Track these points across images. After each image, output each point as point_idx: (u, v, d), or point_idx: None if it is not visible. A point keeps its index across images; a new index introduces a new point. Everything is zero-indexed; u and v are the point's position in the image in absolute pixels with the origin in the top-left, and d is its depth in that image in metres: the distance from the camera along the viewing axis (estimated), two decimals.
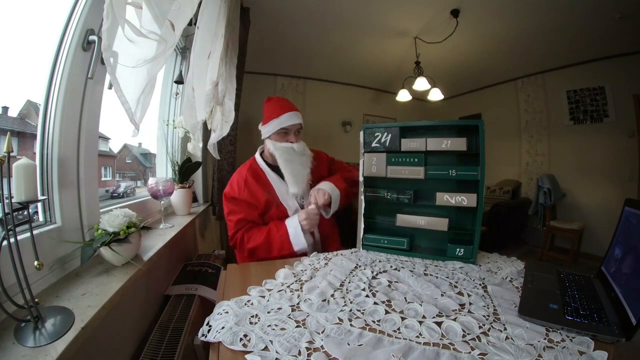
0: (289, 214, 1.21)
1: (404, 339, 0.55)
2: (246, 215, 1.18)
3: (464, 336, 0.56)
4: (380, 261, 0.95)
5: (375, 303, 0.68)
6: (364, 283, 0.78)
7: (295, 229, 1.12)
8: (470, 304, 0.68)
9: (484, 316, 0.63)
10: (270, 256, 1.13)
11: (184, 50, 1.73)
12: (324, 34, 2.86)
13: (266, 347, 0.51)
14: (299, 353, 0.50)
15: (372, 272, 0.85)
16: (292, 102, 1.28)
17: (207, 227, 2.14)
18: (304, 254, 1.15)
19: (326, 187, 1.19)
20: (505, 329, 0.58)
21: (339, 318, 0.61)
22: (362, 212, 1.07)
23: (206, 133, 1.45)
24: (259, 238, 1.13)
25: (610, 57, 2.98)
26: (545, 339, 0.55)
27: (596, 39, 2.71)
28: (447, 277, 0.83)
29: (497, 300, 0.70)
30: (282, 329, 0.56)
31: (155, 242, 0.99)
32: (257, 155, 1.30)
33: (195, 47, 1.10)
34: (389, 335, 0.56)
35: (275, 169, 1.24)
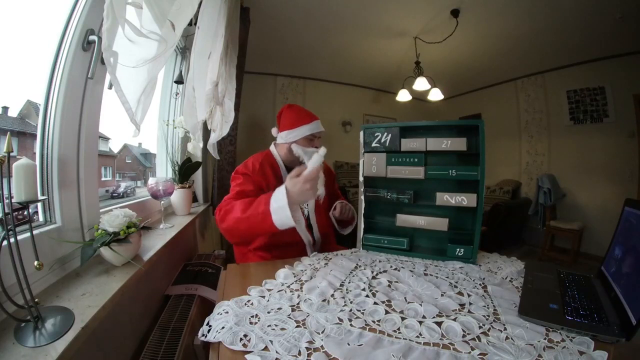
0: None
1: (404, 339, 0.55)
2: (254, 189, 1.09)
3: (464, 336, 0.56)
4: (380, 261, 0.95)
5: (375, 303, 0.67)
6: (364, 283, 0.78)
7: (281, 193, 0.87)
8: (470, 304, 0.68)
9: (484, 316, 0.63)
10: (242, 225, 0.93)
11: (184, 50, 1.73)
12: (324, 34, 2.86)
13: (266, 347, 0.51)
14: (299, 353, 0.50)
15: (372, 272, 0.85)
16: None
17: (207, 227, 2.14)
18: (297, 251, 1.14)
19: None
20: (505, 329, 0.58)
21: (339, 318, 0.61)
22: (362, 212, 1.07)
23: (206, 133, 1.45)
24: (241, 203, 0.95)
25: (610, 57, 2.98)
26: (545, 339, 0.55)
27: (596, 39, 2.71)
28: (447, 277, 0.83)
29: (497, 300, 0.70)
30: (282, 329, 0.56)
31: (155, 242, 1.00)
32: (272, 148, 1.30)
33: (196, 47, 1.10)
34: (389, 335, 0.56)
35: (287, 168, 1.26)
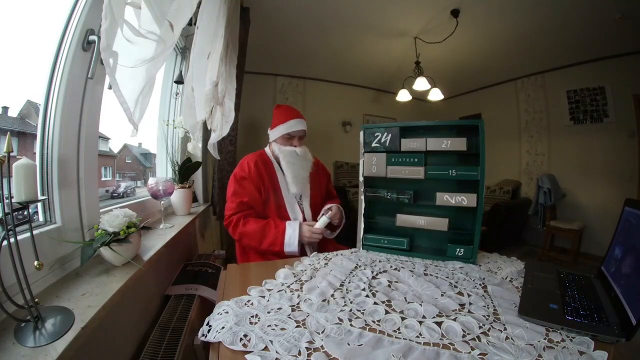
0: (286, 206, 1.26)
1: (404, 339, 0.55)
2: (250, 200, 1.22)
3: (464, 336, 0.56)
4: (380, 261, 0.95)
5: (375, 303, 0.68)
6: (364, 283, 0.78)
7: (293, 232, 1.14)
8: (470, 304, 0.68)
9: (484, 316, 0.63)
10: (259, 247, 1.16)
11: (184, 50, 1.73)
12: (324, 34, 2.85)
13: (266, 347, 0.51)
14: (299, 353, 0.50)
15: (372, 272, 0.85)
16: (297, 109, 1.38)
17: (207, 227, 2.14)
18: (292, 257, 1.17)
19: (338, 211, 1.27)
20: (505, 329, 0.58)
21: (339, 318, 0.61)
22: (362, 212, 1.07)
23: (206, 133, 1.45)
24: (255, 225, 1.17)
25: (610, 57, 2.98)
26: (545, 339, 0.55)
27: (596, 39, 2.71)
28: (447, 277, 0.83)
29: (497, 300, 0.70)
30: (282, 329, 0.56)
31: (155, 242, 0.99)
32: (267, 149, 1.38)
33: (195, 47, 1.10)
34: (389, 335, 0.56)
35: (280, 164, 1.31)
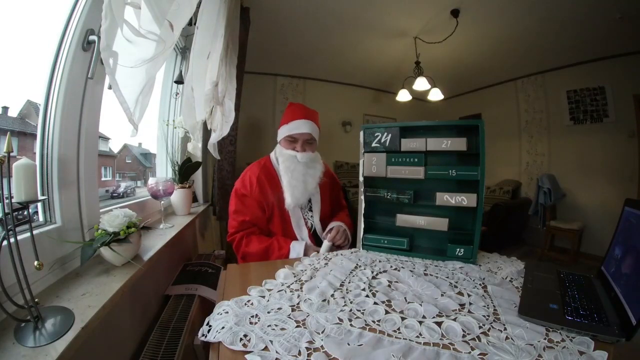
0: (291, 221, 1.21)
1: (404, 339, 0.55)
2: (252, 219, 1.17)
3: (464, 336, 0.56)
4: (380, 261, 0.95)
5: (375, 303, 0.67)
6: (364, 283, 0.78)
7: (298, 256, 1.09)
8: (470, 304, 0.68)
9: (484, 316, 0.63)
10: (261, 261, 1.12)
11: (184, 50, 1.73)
12: (324, 33, 2.86)
13: (266, 347, 0.51)
14: (299, 353, 0.50)
15: (372, 272, 0.85)
16: (310, 109, 1.27)
17: (207, 227, 2.14)
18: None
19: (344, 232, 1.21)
20: (505, 329, 0.58)
21: (339, 318, 0.61)
22: (362, 212, 1.07)
23: (206, 133, 1.45)
24: (257, 246, 1.12)
25: (610, 57, 2.98)
26: (545, 339, 0.55)
27: (596, 39, 2.71)
28: (447, 277, 0.83)
29: (497, 300, 0.70)
30: (282, 329, 0.56)
31: (155, 242, 0.99)
32: (272, 155, 1.28)
33: (195, 47, 1.10)
34: (389, 335, 0.56)
35: None
